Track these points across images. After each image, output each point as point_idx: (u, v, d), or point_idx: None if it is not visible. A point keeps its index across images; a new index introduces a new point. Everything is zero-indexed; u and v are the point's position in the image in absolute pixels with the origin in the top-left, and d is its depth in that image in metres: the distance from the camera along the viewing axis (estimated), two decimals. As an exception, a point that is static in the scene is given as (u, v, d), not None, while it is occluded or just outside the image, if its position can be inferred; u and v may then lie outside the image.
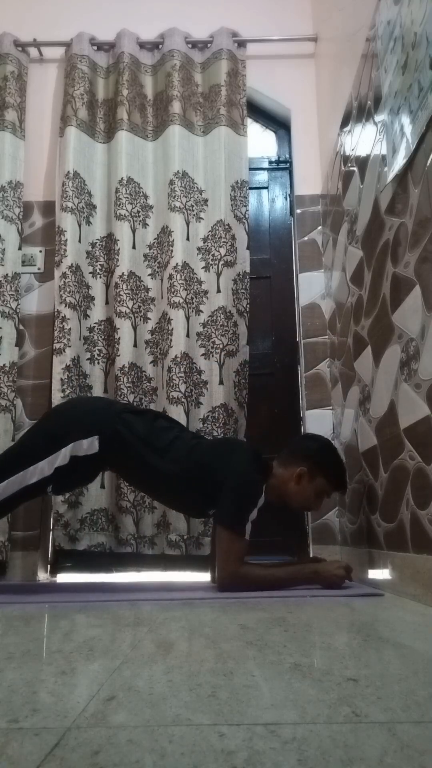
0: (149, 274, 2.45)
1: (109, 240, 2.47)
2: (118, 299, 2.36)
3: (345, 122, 2.13)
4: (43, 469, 1.66)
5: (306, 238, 2.56)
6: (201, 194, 2.50)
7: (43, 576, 2.27)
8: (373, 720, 0.52)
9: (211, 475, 1.70)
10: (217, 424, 2.25)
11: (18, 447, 1.81)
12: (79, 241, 2.43)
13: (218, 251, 2.41)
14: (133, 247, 2.44)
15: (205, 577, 2.09)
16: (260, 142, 2.81)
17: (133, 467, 1.78)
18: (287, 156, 2.75)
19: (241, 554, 1.63)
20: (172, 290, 2.33)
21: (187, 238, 2.41)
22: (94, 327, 2.42)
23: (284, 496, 1.77)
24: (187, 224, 2.43)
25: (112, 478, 2.26)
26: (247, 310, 2.40)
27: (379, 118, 1.67)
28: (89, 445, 1.69)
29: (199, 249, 2.44)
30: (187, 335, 2.31)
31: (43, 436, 1.75)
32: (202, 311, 2.37)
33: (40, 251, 2.56)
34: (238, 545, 1.63)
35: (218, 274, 2.39)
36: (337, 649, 0.84)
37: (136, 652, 0.82)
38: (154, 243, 2.48)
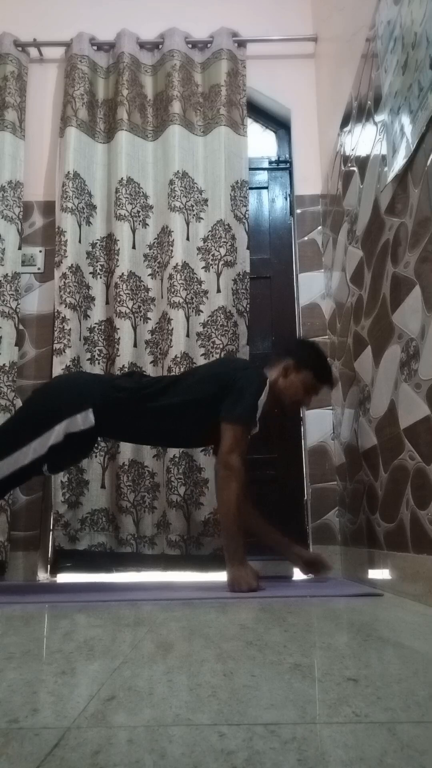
0: (149, 274, 2.45)
1: (109, 240, 2.47)
2: (118, 299, 2.36)
3: (345, 122, 2.13)
4: (36, 448, 1.65)
5: (306, 238, 2.56)
6: (201, 194, 2.50)
7: (43, 576, 2.27)
8: (373, 720, 0.52)
9: (221, 387, 1.75)
10: (217, 424, 2.25)
11: (9, 427, 1.80)
12: (79, 242, 2.43)
13: (218, 251, 2.41)
14: (133, 247, 2.44)
15: (204, 577, 2.09)
16: (260, 142, 2.81)
17: (131, 422, 1.78)
18: (287, 156, 2.75)
19: (245, 446, 1.70)
20: (172, 290, 2.33)
21: (187, 238, 2.42)
22: (95, 327, 2.42)
23: (275, 395, 1.84)
24: (187, 224, 2.43)
25: (113, 478, 2.26)
26: (247, 310, 2.40)
27: (379, 118, 1.67)
28: (84, 420, 1.69)
29: (199, 249, 2.44)
30: (187, 335, 2.31)
31: (33, 415, 1.75)
32: (202, 311, 2.37)
33: (40, 251, 2.56)
34: (244, 437, 1.71)
35: (218, 274, 2.39)
36: (337, 649, 0.84)
37: (136, 652, 0.82)
38: (154, 243, 2.48)
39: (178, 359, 2.26)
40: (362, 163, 1.87)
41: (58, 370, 2.27)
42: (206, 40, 2.67)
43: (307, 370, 1.86)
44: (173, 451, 2.21)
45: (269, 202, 2.71)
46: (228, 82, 2.58)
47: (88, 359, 2.39)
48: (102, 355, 2.40)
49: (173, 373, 2.23)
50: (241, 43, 2.66)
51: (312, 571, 1.94)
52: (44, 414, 1.71)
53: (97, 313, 2.44)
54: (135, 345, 2.35)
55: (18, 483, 1.80)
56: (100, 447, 2.29)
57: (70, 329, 2.31)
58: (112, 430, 1.84)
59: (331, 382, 1.96)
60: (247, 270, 2.43)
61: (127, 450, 2.25)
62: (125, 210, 2.45)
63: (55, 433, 1.66)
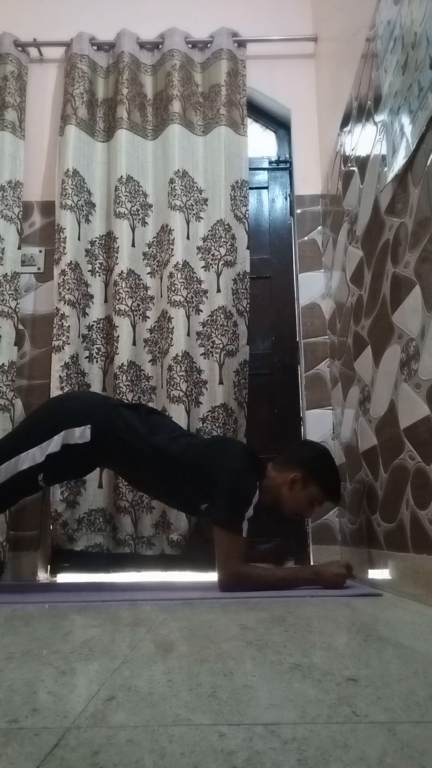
0: (148, 273, 2.45)
1: (109, 238, 2.47)
2: (117, 297, 2.36)
3: (345, 122, 2.13)
4: (35, 455, 1.68)
5: (306, 238, 2.56)
6: (201, 194, 2.50)
7: (42, 576, 2.27)
8: (373, 720, 0.52)
9: (205, 474, 1.71)
10: (217, 424, 2.25)
11: (11, 434, 1.86)
12: (79, 239, 2.43)
13: (218, 251, 2.41)
14: (133, 245, 2.44)
15: (205, 576, 2.09)
16: (260, 142, 2.81)
17: (125, 461, 1.79)
18: (287, 156, 2.75)
19: (240, 553, 1.63)
20: (173, 289, 2.33)
21: (187, 237, 2.41)
22: (93, 325, 2.42)
23: (276, 500, 1.77)
24: (187, 223, 2.43)
25: (110, 478, 2.26)
26: (247, 309, 2.40)
27: (379, 118, 1.67)
28: (81, 434, 1.70)
29: (198, 248, 2.44)
30: (188, 334, 2.31)
31: (36, 424, 1.80)
32: (201, 310, 2.37)
33: (40, 251, 2.56)
34: (237, 544, 1.64)
35: (218, 274, 2.39)
36: (337, 649, 0.84)
37: (135, 652, 0.81)
38: (153, 241, 2.48)
39: (179, 358, 2.26)
40: (362, 163, 1.87)
41: (56, 367, 2.27)
42: (206, 40, 2.67)
43: (315, 485, 1.75)
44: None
45: (269, 202, 2.71)
46: (228, 82, 2.58)
47: (86, 357, 2.38)
48: (100, 353, 2.40)
49: (174, 382, 2.23)
50: (241, 43, 2.66)
51: (347, 576, 1.69)
52: (47, 423, 1.75)
53: (96, 310, 2.44)
54: (134, 343, 2.35)
55: (14, 495, 1.80)
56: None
57: (68, 326, 2.31)
58: (107, 458, 1.83)
59: (339, 499, 1.87)
60: (247, 270, 2.43)
61: (126, 450, 2.25)
62: (125, 208, 2.45)
63: (53, 443, 1.69)
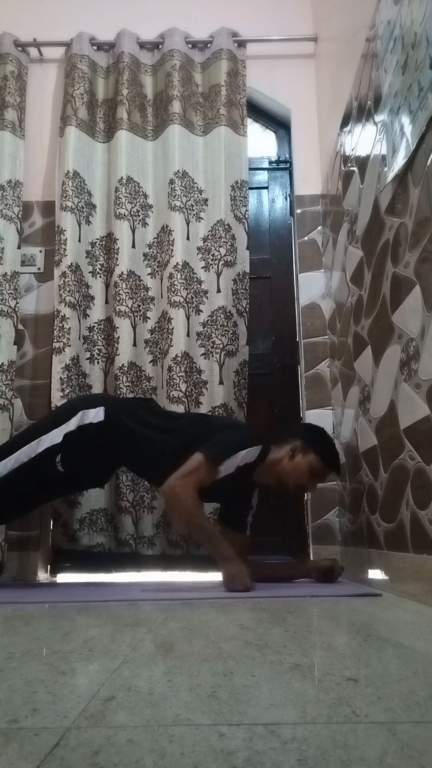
0: (149, 274, 2.45)
1: (109, 239, 2.47)
2: (118, 298, 2.36)
3: (345, 122, 2.13)
4: (53, 437, 1.77)
5: (306, 238, 2.56)
6: (201, 194, 2.50)
7: (43, 576, 2.27)
8: (373, 720, 0.52)
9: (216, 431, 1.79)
10: (217, 424, 2.25)
11: (27, 427, 2.05)
12: (79, 241, 2.43)
13: (218, 251, 2.41)
14: (133, 246, 2.44)
15: (205, 576, 2.09)
16: (260, 142, 2.81)
17: (135, 444, 1.84)
18: (287, 156, 2.75)
19: (201, 480, 1.67)
20: (173, 289, 2.33)
21: (187, 238, 2.41)
22: (94, 326, 2.42)
23: (280, 476, 1.82)
24: (187, 224, 2.43)
25: (112, 478, 2.26)
26: (247, 310, 2.40)
27: (379, 118, 1.67)
28: (95, 414, 1.81)
29: (199, 249, 2.44)
30: (188, 335, 2.31)
31: (55, 413, 1.94)
32: (201, 311, 2.37)
33: (40, 251, 2.56)
34: (205, 472, 1.67)
35: (218, 274, 2.39)
36: (337, 649, 0.84)
37: (136, 652, 0.81)
38: (153, 242, 2.48)
39: (179, 358, 2.26)
40: (362, 163, 1.87)
41: (57, 368, 2.27)
42: (206, 40, 2.67)
43: (314, 454, 1.81)
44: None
45: (269, 202, 2.71)
46: (228, 82, 2.58)
47: (87, 358, 2.38)
48: (101, 354, 2.40)
49: (174, 382, 2.25)
50: (241, 43, 2.66)
51: (327, 577, 1.82)
52: (64, 409, 1.87)
53: (97, 312, 2.44)
54: (134, 344, 2.35)
55: (36, 484, 1.83)
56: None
57: (69, 328, 2.31)
58: (119, 436, 1.84)
59: (338, 468, 1.91)
60: (247, 270, 2.43)
61: (126, 450, 2.25)
62: (125, 209, 2.45)
63: (71, 424, 1.78)
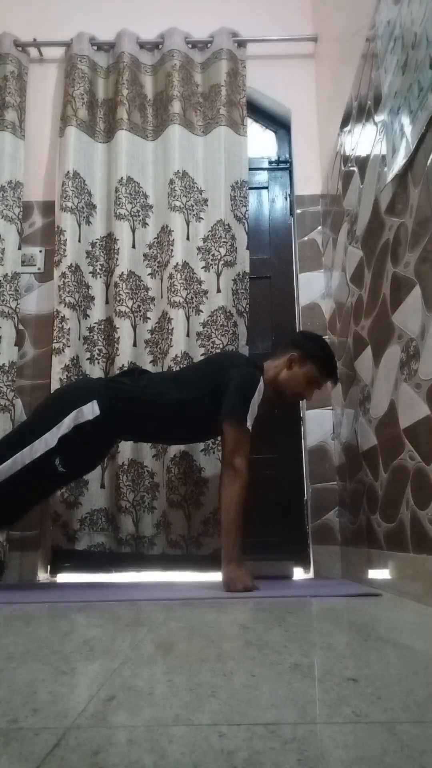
0: (149, 274, 2.45)
1: (109, 239, 2.47)
2: (118, 299, 2.36)
3: (345, 122, 2.13)
4: (47, 440, 1.72)
5: (306, 238, 2.56)
6: (201, 194, 2.50)
7: (43, 576, 2.27)
8: (373, 720, 0.52)
9: (217, 384, 1.79)
10: (217, 424, 2.24)
11: (20, 426, 1.94)
12: (79, 241, 2.43)
13: (218, 251, 2.41)
14: (133, 246, 2.44)
15: (205, 576, 2.09)
16: (260, 142, 2.81)
17: (139, 420, 1.84)
18: (287, 156, 2.75)
19: (245, 448, 1.74)
20: (173, 290, 2.33)
21: (187, 238, 2.41)
22: (94, 327, 2.42)
23: (278, 387, 1.87)
24: (187, 224, 2.43)
25: (112, 478, 2.26)
26: (247, 310, 2.40)
27: (379, 118, 1.67)
28: (90, 410, 1.76)
29: (199, 249, 2.44)
30: (188, 335, 2.31)
31: (42, 412, 1.86)
32: (201, 311, 2.37)
33: (40, 251, 2.56)
34: (245, 436, 1.74)
35: (218, 274, 2.39)
36: (337, 649, 0.84)
37: (136, 652, 0.81)
38: (153, 242, 2.48)
39: (179, 359, 2.26)
40: (362, 163, 1.87)
41: (57, 369, 2.27)
42: (206, 40, 2.67)
43: (311, 363, 1.87)
44: (173, 451, 2.21)
45: (269, 202, 2.71)
46: (228, 82, 2.58)
47: (87, 359, 2.38)
48: (101, 354, 2.40)
49: (172, 370, 2.24)
50: (241, 43, 2.66)
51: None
52: (53, 410, 1.80)
53: (97, 312, 2.44)
54: (135, 344, 2.35)
55: (37, 485, 1.82)
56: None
57: (69, 328, 2.31)
58: (118, 424, 1.84)
59: (335, 376, 1.95)
60: (247, 270, 2.43)
61: (126, 450, 2.25)
62: (125, 209, 2.45)
63: (64, 425, 1.73)
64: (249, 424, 1.74)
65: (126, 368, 2.28)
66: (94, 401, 1.77)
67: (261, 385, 1.80)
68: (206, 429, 1.90)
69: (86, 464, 1.96)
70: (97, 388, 1.85)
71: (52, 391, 2.20)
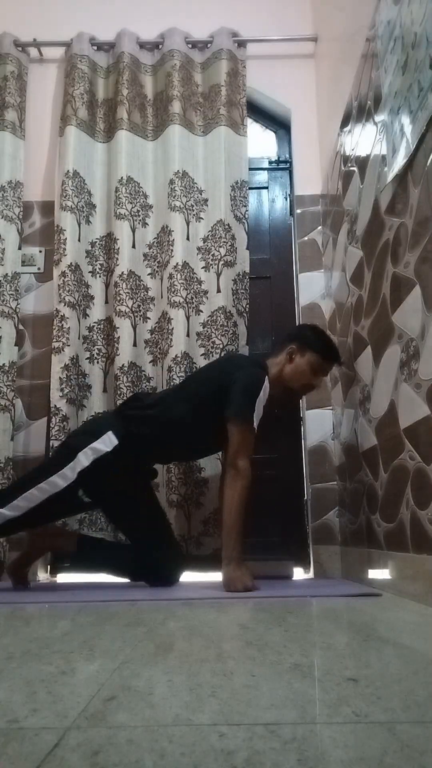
0: (149, 274, 2.45)
1: (109, 239, 2.47)
2: (118, 298, 2.36)
3: (345, 122, 2.13)
4: (66, 474, 1.74)
5: (306, 238, 2.56)
6: (201, 194, 2.50)
7: (43, 576, 2.27)
8: (373, 720, 0.52)
9: (222, 387, 1.80)
10: (217, 424, 2.24)
11: (39, 465, 1.98)
12: (79, 240, 2.43)
13: (218, 251, 2.41)
14: (133, 246, 2.44)
15: (205, 576, 2.09)
16: (260, 142, 2.81)
17: (155, 438, 1.84)
18: (287, 156, 2.75)
19: (251, 446, 1.75)
20: (173, 290, 2.33)
21: (187, 238, 2.41)
22: (94, 326, 2.42)
23: (284, 382, 1.87)
24: (187, 224, 2.43)
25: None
26: (247, 310, 2.40)
27: (379, 118, 1.67)
28: (107, 442, 1.78)
29: (199, 249, 2.44)
30: (188, 335, 2.31)
31: (59, 450, 1.91)
32: (201, 311, 2.37)
33: (40, 251, 2.56)
34: (250, 437, 1.74)
35: (218, 274, 2.39)
36: (337, 649, 0.84)
37: (136, 652, 0.81)
38: (153, 242, 2.48)
39: (179, 359, 2.26)
40: (362, 163, 1.87)
41: (56, 368, 2.26)
42: (206, 40, 2.67)
43: (311, 351, 1.87)
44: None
45: (269, 202, 2.71)
46: (228, 82, 2.58)
47: (87, 358, 2.38)
48: (101, 354, 2.40)
49: (174, 382, 2.22)
50: (241, 43, 2.66)
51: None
52: (68, 448, 1.82)
53: (97, 312, 2.44)
54: (135, 344, 2.35)
55: (57, 512, 1.87)
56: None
57: (69, 328, 2.30)
58: (139, 449, 1.84)
59: (338, 357, 1.94)
60: (247, 270, 2.43)
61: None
62: (125, 209, 2.45)
63: (80, 461, 1.75)
64: (255, 425, 1.75)
65: (126, 368, 2.28)
66: (109, 432, 1.79)
67: (266, 384, 1.80)
68: (216, 438, 1.86)
69: (124, 489, 1.88)
70: (109, 420, 1.88)
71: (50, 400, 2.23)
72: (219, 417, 1.78)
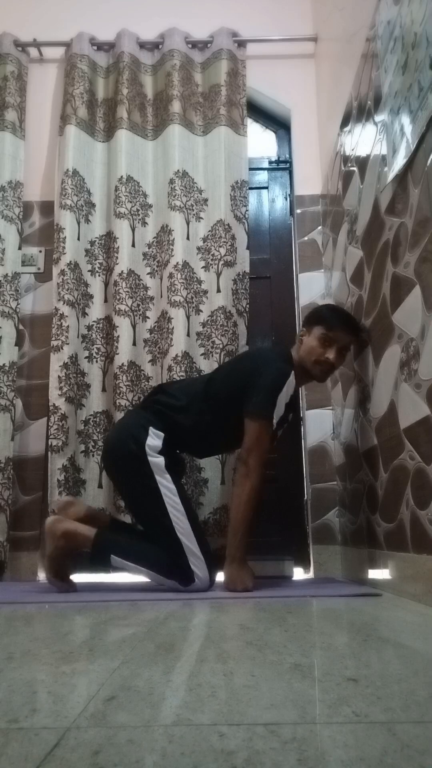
0: (148, 273, 2.45)
1: (109, 238, 2.47)
2: (117, 297, 2.36)
3: (345, 122, 2.13)
4: (161, 482, 1.71)
5: (306, 238, 2.56)
6: (201, 194, 2.50)
7: (43, 576, 2.27)
8: (373, 720, 0.52)
9: (241, 381, 1.78)
10: (217, 424, 2.24)
11: (136, 507, 1.83)
12: (78, 239, 2.43)
13: (218, 251, 2.41)
14: (133, 245, 2.44)
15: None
16: (260, 142, 2.81)
17: (189, 428, 1.81)
18: (287, 156, 2.75)
19: (266, 444, 1.71)
20: (173, 289, 2.33)
21: (187, 238, 2.41)
22: (93, 325, 2.42)
23: (303, 366, 1.83)
24: (187, 223, 2.43)
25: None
26: (247, 310, 2.40)
27: (379, 118, 1.67)
28: (154, 437, 1.76)
29: (198, 248, 2.44)
30: (188, 334, 2.31)
31: (125, 475, 1.80)
32: (201, 311, 2.37)
33: (40, 251, 2.56)
34: (266, 436, 1.71)
35: (218, 274, 2.39)
36: (337, 649, 0.84)
37: (135, 652, 0.81)
38: (153, 242, 2.48)
39: (179, 358, 2.26)
40: (362, 163, 1.87)
41: (55, 367, 2.26)
42: (206, 40, 2.67)
43: (316, 325, 1.84)
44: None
45: (269, 202, 2.71)
46: (228, 82, 2.58)
47: (86, 357, 2.38)
48: (100, 353, 2.40)
49: (173, 369, 2.23)
50: (241, 43, 2.66)
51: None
52: (132, 468, 1.75)
53: (96, 310, 2.44)
54: (134, 343, 2.35)
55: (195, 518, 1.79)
56: (95, 444, 2.29)
57: (68, 326, 2.30)
58: (180, 437, 1.82)
59: (348, 322, 1.83)
60: (247, 270, 2.43)
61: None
62: (125, 208, 2.45)
63: (155, 464, 1.73)
64: (274, 423, 1.72)
65: (126, 367, 2.28)
66: (150, 428, 1.76)
67: (292, 379, 1.76)
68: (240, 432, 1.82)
69: (174, 484, 1.80)
70: (139, 420, 1.82)
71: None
72: (240, 412, 1.75)
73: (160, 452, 1.74)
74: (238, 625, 1.07)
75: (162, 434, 1.77)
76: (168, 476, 1.73)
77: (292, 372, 1.77)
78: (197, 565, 1.66)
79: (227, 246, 2.41)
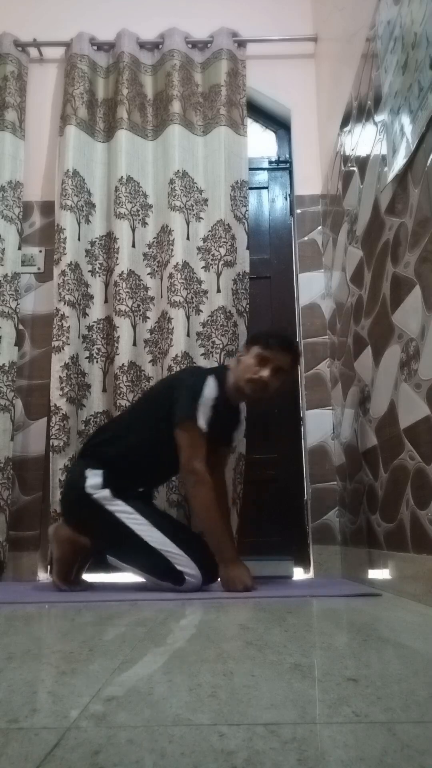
0: (149, 273, 2.45)
1: (109, 238, 2.47)
2: (118, 298, 2.36)
3: (345, 122, 2.13)
4: (119, 508, 1.72)
5: (306, 238, 2.56)
6: (201, 194, 2.50)
7: (43, 576, 2.27)
8: (373, 720, 0.52)
9: (162, 397, 1.82)
10: (217, 424, 2.24)
11: (125, 545, 1.79)
12: (78, 239, 2.43)
13: (218, 251, 2.41)
14: (133, 245, 2.44)
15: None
16: (260, 142, 2.81)
17: (127, 458, 1.82)
18: (287, 156, 2.75)
19: (203, 447, 1.69)
20: (173, 289, 2.33)
21: (187, 238, 2.41)
22: (93, 325, 2.42)
23: (237, 383, 1.83)
24: (187, 224, 2.43)
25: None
26: (247, 310, 2.40)
27: (379, 118, 1.67)
28: (93, 476, 1.77)
29: (198, 249, 2.44)
30: (188, 335, 2.31)
31: (80, 512, 1.81)
32: (201, 311, 2.37)
33: (40, 251, 2.56)
34: (199, 439, 1.70)
35: (218, 274, 2.39)
36: (337, 649, 0.84)
37: (135, 652, 0.81)
38: (153, 242, 2.48)
39: (179, 358, 2.26)
40: (362, 163, 1.87)
41: (56, 367, 2.26)
42: (206, 40, 2.67)
43: (254, 345, 1.83)
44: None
45: (269, 202, 2.71)
46: (228, 82, 2.58)
47: (86, 357, 2.38)
48: (101, 353, 2.40)
49: (172, 370, 2.24)
50: (241, 43, 2.66)
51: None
52: (80, 500, 1.77)
53: (96, 311, 2.44)
54: (134, 344, 2.35)
55: (177, 531, 1.79)
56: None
57: (68, 327, 2.30)
58: (120, 473, 1.82)
59: (284, 342, 1.82)
60: (247, 270, 2.43)
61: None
62: (125, 208, 2.45)
63: (103, 498, 1.73)
64: (202, 424, 1.70)
65: (126, 368, 2.28)
66: (86, 471, 1.78)
67: (210, 382, 1.76)
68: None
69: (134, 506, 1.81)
70: (75, 470, 1.87)
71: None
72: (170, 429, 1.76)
73: (104, 486, 1.75)
74: (238, 625, 1.07)
75: (100, 471, 1.78)
76: (119, 501, 1.73)
77: (210, 376, 1.79)
78: (183, 563, 1.66)
79: (227, 246, 2.41)
